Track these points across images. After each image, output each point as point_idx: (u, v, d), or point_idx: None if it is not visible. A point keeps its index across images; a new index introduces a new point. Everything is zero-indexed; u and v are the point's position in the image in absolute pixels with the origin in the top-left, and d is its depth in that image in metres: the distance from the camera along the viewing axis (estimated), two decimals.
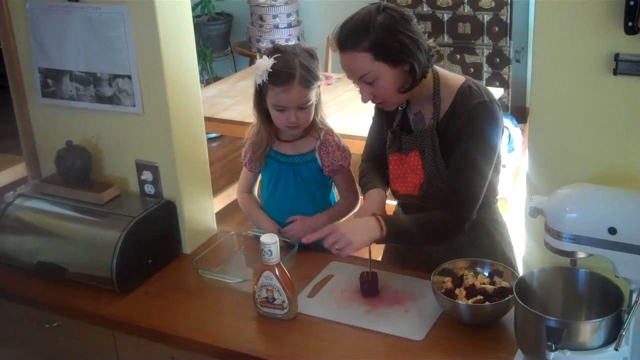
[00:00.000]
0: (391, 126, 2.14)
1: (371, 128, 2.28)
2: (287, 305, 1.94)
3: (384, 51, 1.91)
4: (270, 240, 1.90)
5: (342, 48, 1.95)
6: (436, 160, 2.02)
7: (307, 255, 2.20)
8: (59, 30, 2.27)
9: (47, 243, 2.26)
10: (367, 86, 1.97)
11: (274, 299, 1.94)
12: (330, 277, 2.14)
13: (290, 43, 5.55)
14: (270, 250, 1.90)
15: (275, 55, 2.12)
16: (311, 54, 2.18)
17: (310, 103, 2.17)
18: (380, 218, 1.96)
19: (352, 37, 1.93)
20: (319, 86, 2.20)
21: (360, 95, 2.01)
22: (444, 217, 1.99)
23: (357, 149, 3.36)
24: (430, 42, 2.00)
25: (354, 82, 2.01)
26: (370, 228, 1.94)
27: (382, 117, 2.19)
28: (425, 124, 2.06)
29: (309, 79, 2.13)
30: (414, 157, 2.07)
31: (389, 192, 2.20)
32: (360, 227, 1.96)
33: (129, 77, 2.21)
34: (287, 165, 2.28)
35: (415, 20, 1.97)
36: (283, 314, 1.95)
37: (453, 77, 2.07)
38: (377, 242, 1.96)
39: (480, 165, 1.97)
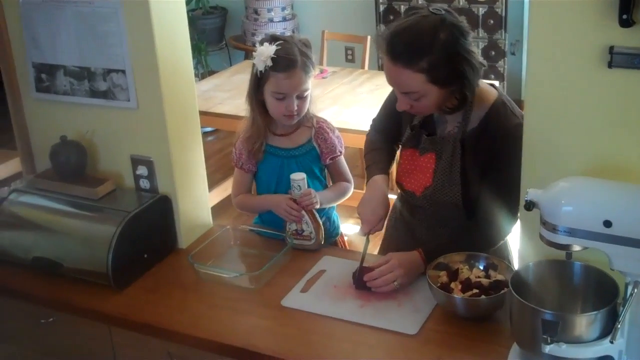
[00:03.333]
0: (411, 121, 2.10)
1: (389, 99, 2.18)
2: (315, 235, 2.18)
3: (440, 75, 1.84)
4: (299, 177, 2.18)
5: (395, 59, 1.85)
6: (452, 169, 1.99)
7: (299, 250, 2.21)
8: (52, 25, 2.26)
9: (42, 238, 2.25)
10: (409, 100, 1.91)
11: (303, 231, 2.18)
12: (323, 272, 2.14)
13: None
14: (299, 186, 2.17)
15: (277, 42, 2.14)
16: (305, 44, 2.21)
17: (308, 92, 2.20)
18: (421, 252, 2.00)
19: (410, 52, 1.83)
20: (313, 76, 2.23)
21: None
22: (484, 231, 2.01)
23: (353, 142, 3.38)
24: (480, 58, 1.92)
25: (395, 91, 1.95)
26: (418, 266, 2.00)
27: None
28: (447, 129, 2.03)
29: (309, 65, 2.17)
30: (428, 158, 2.04)
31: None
32: (411, 265, 2.00)
33: (123, 71, 2.20)
34: (289, 159, 2.27)
35: (471, 34, 1.89)
36: (310, 245, 2.20)
37: (486, 89, 2.01)
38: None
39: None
